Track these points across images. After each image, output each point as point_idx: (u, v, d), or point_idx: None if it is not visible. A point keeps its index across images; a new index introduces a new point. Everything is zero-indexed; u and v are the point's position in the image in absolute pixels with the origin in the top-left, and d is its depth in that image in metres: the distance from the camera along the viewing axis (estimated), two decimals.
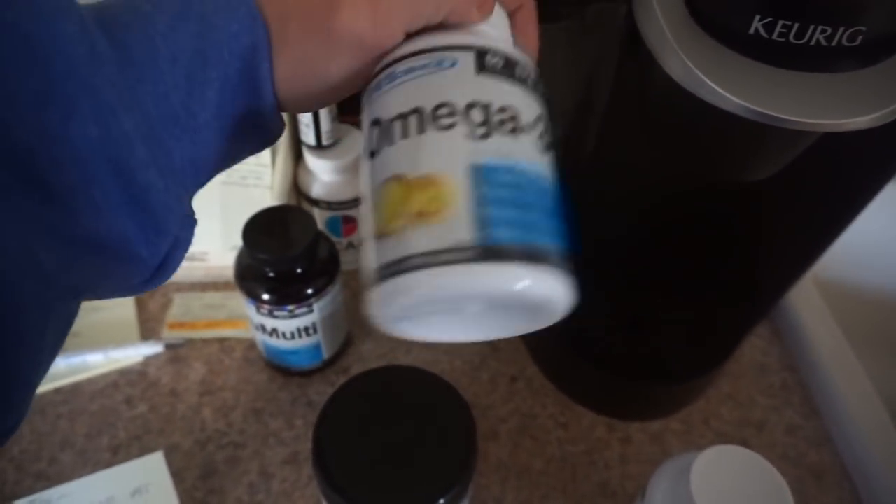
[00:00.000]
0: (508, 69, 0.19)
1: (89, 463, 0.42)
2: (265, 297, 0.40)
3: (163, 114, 0.19)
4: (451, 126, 0.17)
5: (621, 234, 0.48)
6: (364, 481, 0.32)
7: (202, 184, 0.23)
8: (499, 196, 0.17)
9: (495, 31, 0.21)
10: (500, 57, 0.19)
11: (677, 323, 0.46)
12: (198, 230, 0.51)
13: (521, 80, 0.20)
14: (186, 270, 0.50)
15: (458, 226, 0.16)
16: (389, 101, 0.19)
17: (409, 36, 0.20)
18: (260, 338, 0.44)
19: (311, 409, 0.45)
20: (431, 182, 0.17)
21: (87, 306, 0.51)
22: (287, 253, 0.39)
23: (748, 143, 0.28)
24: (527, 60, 0.21)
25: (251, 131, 0.22)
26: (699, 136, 0.30)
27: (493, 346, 0.49)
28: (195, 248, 0.49)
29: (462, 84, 0.17)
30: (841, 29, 0.22)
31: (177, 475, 0.41)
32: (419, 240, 0.16)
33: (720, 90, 0.24)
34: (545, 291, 0.17)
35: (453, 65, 0.18)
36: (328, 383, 0.46)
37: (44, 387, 0.45)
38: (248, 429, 0.44)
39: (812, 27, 0.22)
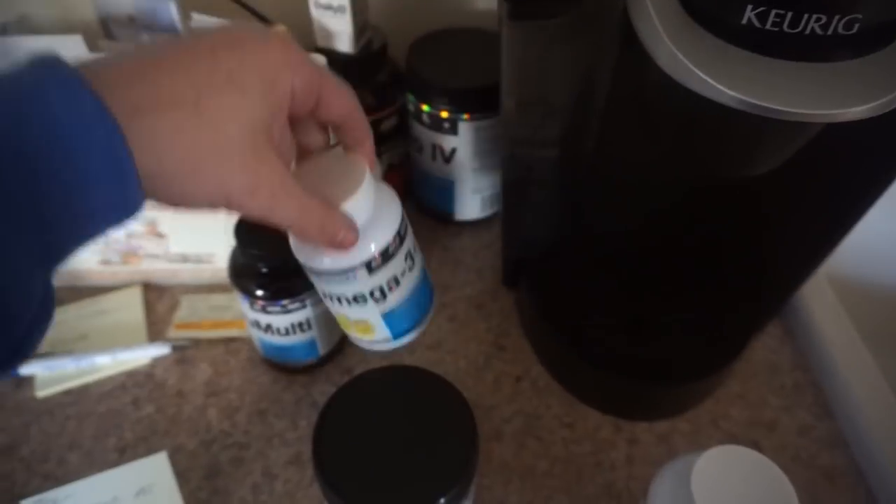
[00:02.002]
0: (385, 257, 0.31)
1: (96, 464, 0.42)
2: (258, 292, 0.40)
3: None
4: (364, 301, 0.31)
5: (625, 231, 0.47)
6: (364, 481, 0.32)
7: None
8: (395, 320, 0.33)
9: (364, 209, 0.30)
10: (378, 256, 0.30)
11: (684, 322, 0.45)
12: (204, 232, 0.51)
13: (391, 254, 0.31)
14: (193, 273, 0.51)
15: (379, 336, 0.34)
16: (325, 286, 0.32)
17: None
18: (256, 334, 0.44)
19: (315, 410, 0.44)
20: (361, 322, 0.33)
21: (95, 309, 0.51)
22: (279, 248, 0.39)
23: (746, 137, 0.28)
24: (391, 201, 0.31)
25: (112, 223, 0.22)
26: (696, 131, 0.29)
27: (498, 346, 0.49)
28: (202, 250, 0.50)
29: (363, 283, 0.31)
30: (836, 17, 0.22)
31: (182, 475, 0.41)
32: (361, 340, 0.35)
33: (713, 82, 0.23)
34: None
35: (355, 277, 0.31)
36: (332, 383, 0.46)
37: (53, 388, 0.46)
38: (252, 429, 0.44)
39: (806, 16, 0.22)
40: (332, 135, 0.32)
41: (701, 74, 0.23)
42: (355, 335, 0.35)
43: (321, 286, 0.32)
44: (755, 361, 0.48)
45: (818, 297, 0.50)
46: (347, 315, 0.33)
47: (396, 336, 0.34)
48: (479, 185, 0.53)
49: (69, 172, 0.20)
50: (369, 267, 0.31)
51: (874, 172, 0.34)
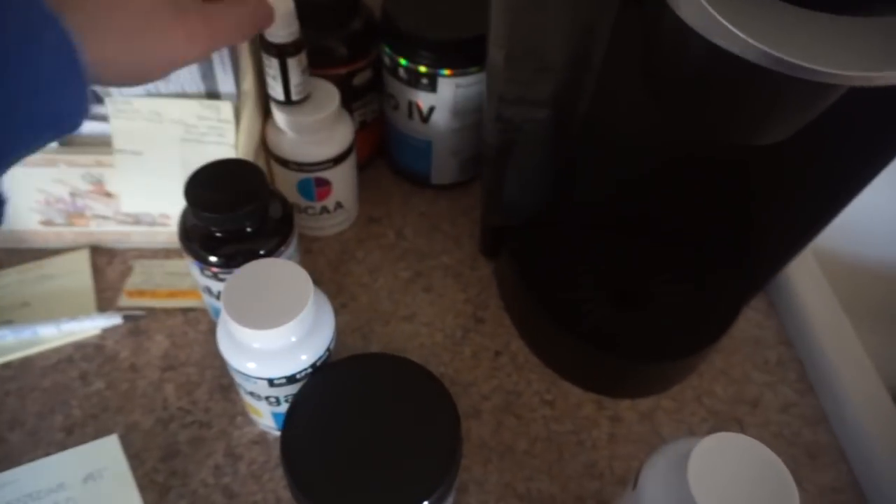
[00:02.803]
0: (290, 380, 0.34)
1: (41, 444, 0.39)
2: (211, 258, 0.37)
3: None
4: (258, 399, 0.36)
5: (614, 201, 0.45)
6: (336, 479, 0.29)
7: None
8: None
9: (306, 323, 0.33)
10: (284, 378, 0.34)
11: (670, 297, 0.43)
12: (157, 192, 0.47)
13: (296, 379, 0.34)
14: (147, 236, 0.47)
15: (267, 422, 0.39)
16: (235, 375, 0.35)
17: None
18: (209, 302, 0.41)
19: None
20: (253, 407, 0.38)
21: (38, 274, 0.47)
22: (234, 210, 0.35)
23: (765, 100, 0.25)
24: None
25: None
26: (710, 92, 0.27)
27: (476, 319, 0.46)
28: (155, 211, 0.45)
29: (262, 389, 0.35)
30: None
31: (136, 457, 0.38)
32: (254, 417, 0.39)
33: (741, 34, 0.20)
34: None
35: (255, 381, 0.34)
36: None
37: None
38: (213, 407, 0.41)
39: None
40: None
41: (729, 25, 0.20)
42: (250, 413, 0.39)
43: (232, 373, 0.35)
44: (739, 336, 0.47)
45: (804, 271, 0.49)
46: (244, 397, 0.37)
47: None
48: (459, 146, 0.50)
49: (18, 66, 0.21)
50: (271, 381, 0.33)
51: (881, 144, 0.32)
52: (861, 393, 0.43)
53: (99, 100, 0.43)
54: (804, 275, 0.49)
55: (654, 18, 0.26)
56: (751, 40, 0.21)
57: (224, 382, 0.42)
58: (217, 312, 0.42)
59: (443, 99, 0.46)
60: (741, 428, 0.42)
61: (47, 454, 0.38)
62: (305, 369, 0.33)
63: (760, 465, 0.27)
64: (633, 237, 0.45)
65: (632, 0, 0.29)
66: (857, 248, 0.52)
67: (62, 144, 0.42)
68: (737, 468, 0.27)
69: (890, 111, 0.30)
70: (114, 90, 0.41)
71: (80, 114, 0.24)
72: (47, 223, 0.46)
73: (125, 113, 0.41)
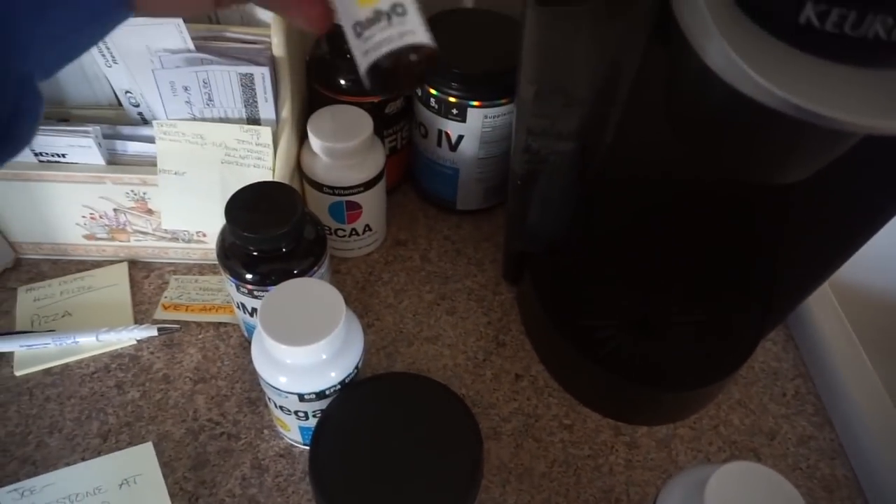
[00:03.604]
0: (319, 395, 0.35)
1: (78, 449, 0.40)
2: (247, 276, 0.38)
3: None
4: (288, 413, 0.37)
5: (635, 230, 0.46)
6: (361, 493, 0.30)
7: (41, 57, 0.22)
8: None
9: (338, 341, 0.35)
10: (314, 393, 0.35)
11: (691, 326, 0.44)
12: (196, 210, 0.49)
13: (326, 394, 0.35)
14: (184, 252, 0.49)
15: (294, 436, 0.40)
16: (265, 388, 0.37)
17: None
18: (242, 318, 0.42)
19: None
20: (281, 421, 0.39)
21: (79, 286, 0.49)
22: (271, 231, 0.37)
23: (785, 143, 0.26)
24: None
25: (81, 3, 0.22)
26: (731, 134, 0.28)
27: (498, 342, 0.47)
28: (193, 228, 0.47)
29: (292, 403, 0.36)
30: None
31: (167, 465, 0.40)
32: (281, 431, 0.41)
33: (765, 83, 0.22)
34: None
35: (286, 396, 0.35)
36: None
37: (33, 368, 0.43)
38: (242, 419, 0.42)
39: (871, 17, 0.20)
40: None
41: (756, 76, 0.21)
42: (277, 427, 0.41)
43: (263, 385, 0.37)
44: (757, 367, 0.47)
45: (822, 304, 0.49)
46: (273, 411, 0.38)
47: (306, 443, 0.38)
48: (485, 174, 0.51)
49: None
50: (301, 396, 0.35)
51: None
52: (878, 426, 0.43)
53: (146, 122, 0.45)
54: (822, 307, 0.49)
55: (678, 59, 0.28)
56: (777, 90, 0.22)
57: (252, 396, 0.43)
58: (249, 328, 0.43)
59: (471, 129, 0.48)
60: (758, 459, 0.43)
61: (83, 459, 0.40)
62: (334, 386, 0.35)
63: (777, 495, 0.28)
64: (654, 266, 0.46)
65: (658, 39, 0.31)
66: (876, 282, 0.52)
67: (109, 163, 0.44)
68: (753, 497, 0.28)
69: None
70: (161, 114, 0.44)
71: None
72: (90, 237, 0.48)
73: (170, 135, 0.43)
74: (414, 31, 0.23)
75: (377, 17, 0.23)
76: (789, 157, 0.27)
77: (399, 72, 0.23)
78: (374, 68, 0.23)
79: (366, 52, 0.23)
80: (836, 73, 0.22)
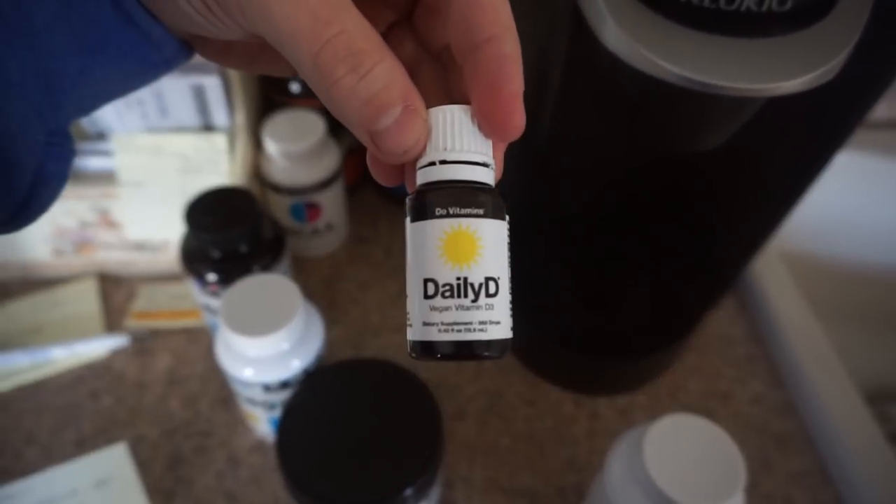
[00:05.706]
0: (283, 385, 0.37)
1: (55, 457, 0.41)
2: (210, 276, 0.40)
3: None
4: (254, 405, 0.39)
5: (580, 209, 0.48)
6: (329, 476, 0.32)
7: (71, 109, 0.19)
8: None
9: (297, 331, 0.37)
10: (278, 384, 0.37)
11: (639, 298, 0.46)
12: (159, 219, 0.50)
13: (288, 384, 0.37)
14: (150, 263, 0.50)
15: (264, 429, 0.41)
16: (232, 384, 0.39)
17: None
18: (209, 320, 0.44)
19: None
20: (251, 414, 0.40)
21: (49, 301, 0.50)
22: (228, 231, 0.39)
23: (693, 113, 0.28)
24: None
25: (125, 49, 0.18)
26: (645, 109, 0.30)
27: None
28: (157, 237, 0.49)
29: (257, 394, 0.38)
30: None
31: (144, 465, 0.41)
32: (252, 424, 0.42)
33: (658, 60, 0.24)
34: None
35: (252, 387, 0.37)
36: None
37: (7, 383, 0.44)
38: (215, 417, 0.44)
39: None
40: None
41: (645, 52, 0.23)
42: (249, 422, 0.41)
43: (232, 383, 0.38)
44: (711, 335, 0.49)
45: (770, 271, 0.52)
46: (243, 406, 0.40)
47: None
48: None
49: None
50: (266, 387, 0.36)
51: (816, 145, 0.35)
52: (826, 383, 0.45)
53: (102, 136, 0.47)
54: (771, 275, 0.51)
55: (591, 47, 0.30)
56: (667, 65, 0.24)
57: (225, 395, 0.45)
58: (216, 329, 0.45)
59: None
60: (712, 419, 0.45)
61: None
62: (298, 374, 0.36)
63: (709, 440, 0.30)
64: (603, 241, 0.48)
65: (576, 29, 0.33)
66: (821, 247, 0.55)
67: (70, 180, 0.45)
68: (689, 446, 0.30)
69: (814, 118, 0.33)
70: (117, 127, 0.45)
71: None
72: (58, 253, 0.49)
73: (128, 148, 0.45)
74: (500, 321, 0.18)
75: (460, 287, 0.17)
76: (699, 125, 0.29)
77: (457, 358, 0.17)
78: (429, 347, 0.17)
79: (427, 322, 0.17)
80: (718, 45, 0.24)
